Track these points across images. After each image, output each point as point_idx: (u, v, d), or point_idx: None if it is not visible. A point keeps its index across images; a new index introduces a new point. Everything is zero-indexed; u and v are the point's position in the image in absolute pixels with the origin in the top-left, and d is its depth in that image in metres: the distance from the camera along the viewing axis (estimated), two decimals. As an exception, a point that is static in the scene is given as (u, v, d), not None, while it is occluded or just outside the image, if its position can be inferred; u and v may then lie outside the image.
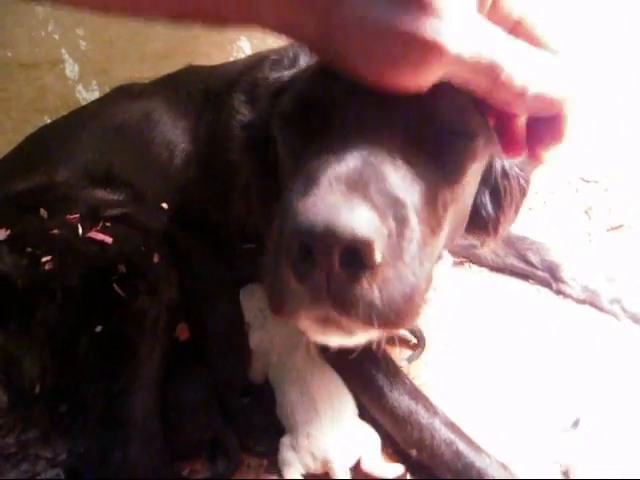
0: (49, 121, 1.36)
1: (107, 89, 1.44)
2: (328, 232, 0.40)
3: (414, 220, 0.49)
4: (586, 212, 1.39)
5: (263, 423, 0.93)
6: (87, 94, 1.61)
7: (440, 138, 0.55)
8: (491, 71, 0.41)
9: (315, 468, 0.84)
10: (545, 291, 1.17)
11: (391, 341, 0.94)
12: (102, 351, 0.83)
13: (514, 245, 1.19)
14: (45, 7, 1.51)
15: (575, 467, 0.83)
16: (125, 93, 1.16)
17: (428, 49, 0.39)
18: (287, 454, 0.85)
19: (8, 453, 0.98)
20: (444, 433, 0.84)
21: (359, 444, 0.87)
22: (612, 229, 1.33)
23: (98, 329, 0.83)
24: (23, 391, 0.91)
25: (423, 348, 1.04)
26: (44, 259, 0.85)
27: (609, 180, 1.48)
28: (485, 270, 1.24)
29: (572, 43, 0.45)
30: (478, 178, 0.70)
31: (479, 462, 0.80)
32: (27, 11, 1.53)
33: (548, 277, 1.16)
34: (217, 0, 0.43)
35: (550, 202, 1.43)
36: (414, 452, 0.85)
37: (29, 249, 0.87)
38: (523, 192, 0.80)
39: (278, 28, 0.44)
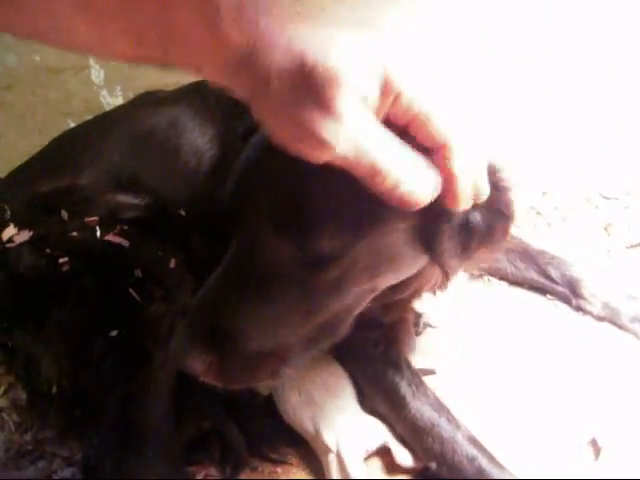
0: (73, 125, 1.38)
1: (131, 95, 1.46)
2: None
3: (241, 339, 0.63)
4: (605, 229, 1.39)
5: (274, 429, 0.93)
6: (111, 99, 1.64)
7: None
8: (370, 170, 0.50)
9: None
10: (563, 306, 1.16)
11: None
12: (117, 355, 0.83)
13: (534, 259, 1.19)
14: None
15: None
16: (150, 99, 1.17)
17: (320, 144, 0.48)
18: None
19: (25, 450, 0.99)
20: (466, 448, 0.83)
21: (368, 434, 0.88)
22: (632, 247, 1.32)
23: (113, 333, 0.83)
24: (41, 391, 0.91)
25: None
26: (61, 261, 0.86)
27: (629, 197, 1.47)
28: (504, 284, 1.24)
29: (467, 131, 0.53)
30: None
31: None
32: (57, 17, 1.56)
33: (568, 293, 1.15)
34: (165, 50, 0.48)
35: (570, 218, 1.42)
36: (434, 465, 0.84)
37: (48, 251, 0.89)
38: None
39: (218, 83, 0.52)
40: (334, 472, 0.84)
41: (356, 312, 0.71)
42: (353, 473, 0.83)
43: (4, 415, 1.06)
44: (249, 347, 0.63)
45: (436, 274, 0.77)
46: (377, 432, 0.90)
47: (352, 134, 0.48)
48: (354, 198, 0.55)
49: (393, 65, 0.48)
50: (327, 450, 0.85)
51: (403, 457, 0.87)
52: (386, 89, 0.48)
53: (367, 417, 0.91)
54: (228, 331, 0.62)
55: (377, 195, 0.52)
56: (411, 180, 0.51)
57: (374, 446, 0.88)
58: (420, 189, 0.52)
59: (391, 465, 0.88)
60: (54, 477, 0.95)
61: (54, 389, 0.88)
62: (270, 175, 0.60)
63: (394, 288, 0.72)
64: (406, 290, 0.78)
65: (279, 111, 0.48)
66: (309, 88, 0.46)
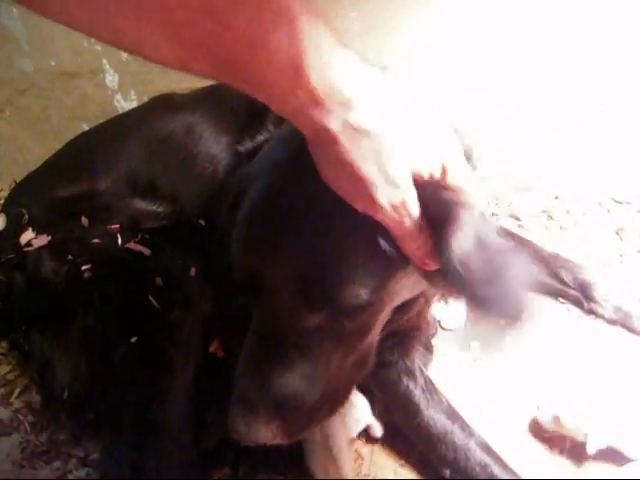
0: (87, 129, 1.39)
1: (145, 99, 1.48)
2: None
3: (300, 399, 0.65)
4: (617, 233, 1.38)
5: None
6: (125, 103, 1.66)
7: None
8: (410, 235, 0.57)
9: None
10: (576, 310, 1.16)
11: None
12: (137, 361, 0.84)
13: (547, 262, 1.19)
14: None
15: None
16: (166, 104, 1.17)
17: (374, 205, 0.54)
18: None
19: (41, 450, 1.01)
20: (479, 455, 0.84)
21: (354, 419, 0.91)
22: (644, 251, 1.32)
23: (133, 340, 0.84)
24: (54, 394, 0.93)
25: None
26: (84, 268, 0.87)
27: (642, 201, 1.47)
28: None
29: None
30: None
31: None
32: (72, 23, 1.58)
33: (580, 296, 1.15)
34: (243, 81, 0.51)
35: (581, 222, 1.42)
36: (448, 472, 0.84)
37: (70, 257, 0.89)
38: None
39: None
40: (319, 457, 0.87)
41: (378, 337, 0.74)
42: (341, 459, 0.85)
43: (19, 416, 1.07)
44: (303, 402, 0.65)
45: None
46: (363, 414, 0.92)
47: (406, 203, 0.54)
48: (374, 246, 0.59)
49: (449, 161, 0.57)
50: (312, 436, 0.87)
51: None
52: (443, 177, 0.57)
53: (355, 400, 0.92)
54: (281, 395, 0.64)
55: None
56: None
57: (360, 429, 0.92)
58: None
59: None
60: (69, 477, 0.96)
61: (65, 394, 0.89)
62: (289, 238, 0.61)
63: (403, 306, 0.75)
64: (414, 307, 0.82)
65: (342, 166, 0.52)
66: (377, 153, 0.51)
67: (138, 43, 0.50)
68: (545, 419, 0.91)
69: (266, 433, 0.64)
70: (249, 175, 0.69)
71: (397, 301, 0.71)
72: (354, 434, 0.92)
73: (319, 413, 0.69)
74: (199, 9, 0.45)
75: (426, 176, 0.55)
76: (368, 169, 0.52)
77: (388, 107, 0.53)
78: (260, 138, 0.92)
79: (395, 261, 0.60)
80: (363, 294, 0.60)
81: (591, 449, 0.86)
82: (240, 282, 0.67)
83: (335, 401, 0.71)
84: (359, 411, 0.92)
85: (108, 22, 0.47)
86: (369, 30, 1.37)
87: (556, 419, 0.89)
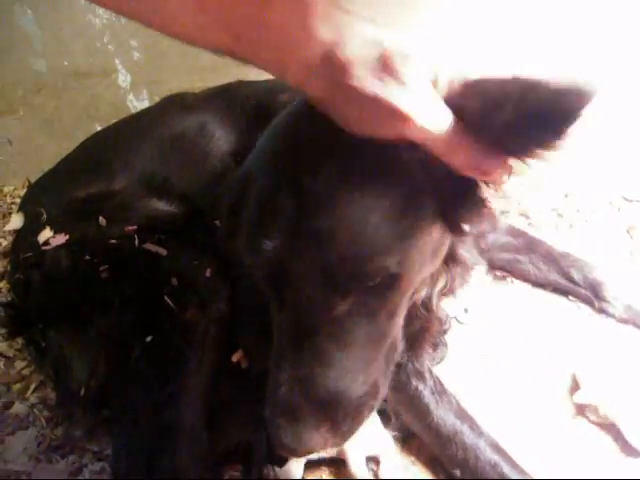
0: (100, 128, 1.41)
1: (157, 99, 1.49)
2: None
3: (346, 397, 0.63)
4: (628, 231, 1.38)
5: None
6: (137, 103, 1.68)
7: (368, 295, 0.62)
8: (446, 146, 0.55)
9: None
10: (586, 308, 1.17)
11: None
12: (152, 360, 0.85)
13: (557, 261, 1.19)
14: (102, 20, 1.58)
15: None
16: (178, 103, 1.18)
17: (403, 118, 0.53)
18: None
19: (57, 444, 1.02)
20: (489, 455, 0.84)
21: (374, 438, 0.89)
22: (655, 249, 1.31)
23: (148, 339, 0.85)
24: (70, 391, 0.94)
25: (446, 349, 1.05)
26: (102, 268, 0.88)
27: (652, 200, 1.47)
28: (527, 285, 1.24)
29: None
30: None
31: None
32: (85, 23, 1.60)
33: (590, 295, 1.15)
34: (256, 45, 0.54)
35: (592, 221, 1.42)
36: (458, 472, 0.85)
37: (87, 257, 0.90)
38: None
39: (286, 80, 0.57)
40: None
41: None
42: (358, 474, 0.85)
43: (36, 411, 1.09)
44: (350, 399, 0.63)
45: (447, 275, 0.79)
46: (380, 441, 0.91)
47: (438, 111, 0.54)
48: (395, 212, 0.58)
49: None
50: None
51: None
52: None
53: (374, 425, 0.92)
54: (326, 396, 0.62)
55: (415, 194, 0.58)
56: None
57: (374, 453, 0.90)
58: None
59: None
60: (84, 471, 0.98)
61: (82, 391, 0.90)
62: (306, 226, 0.59)
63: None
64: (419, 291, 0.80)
65: (362, 97, 0.52)
66: (391, 71, 0.52)
67: (155, 9, 0.52)
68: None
69: (318, 440, 0.61)
70: (249, 173, 0.67)
71: (418, 278, 0.68)
72: (372, 451, 0.90)
73: (364, 409, 0.66)
74: None
75: (443, 83, 0.55)
76: (390, 90, 0.52)
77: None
78: None
79: (418, 224, 0.60)
80: (390, 265, 0.59)
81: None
82: (261, 281, 0.64)
83: (376, 395, 0.68)
84: (374, 426, 0.92)
85: None
86: (382, 28, 1.37)
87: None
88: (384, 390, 0.70)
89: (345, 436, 0.65)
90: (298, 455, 0.63)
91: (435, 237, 0.64)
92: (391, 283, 0.61)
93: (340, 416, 0.62)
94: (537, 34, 1.37)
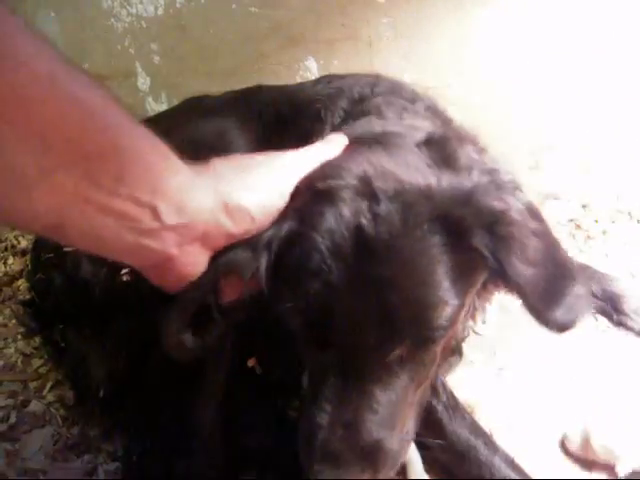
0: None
1: (175, 102, 1.50)
2: None
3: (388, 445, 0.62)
4: (647, 243, 1.37)
5: None
6: (156, 106, 1.69)
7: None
8: None
9: None
10: (603, 320, 1.15)
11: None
12: (170, 363, 0.85)
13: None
14: (124, 23, 1.60)
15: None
16: (198, 107, 1.19)
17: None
18: None
19: (72, 443, 1.03)
20: (504, 471, 0.83)
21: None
22: (675, 262, 1.30)
23: None
24: (88, 391, 0.95)
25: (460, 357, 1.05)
26: (123, 271, 0.88)
27: (672, 211, 1.45)
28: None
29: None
30: None
31: None
32: (106, 26, 1.62)
33: (609, 308, 1.14)
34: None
35: (610, 231, 1.41)
36: None
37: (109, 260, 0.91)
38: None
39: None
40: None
41: None
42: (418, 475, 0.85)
43: (52, 409, 1.10)
44: (391, 449, 0.62)
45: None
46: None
47: None
48: (455, 268, 0.59)
49: None
50: None
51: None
52: None
53: None
54: (370, 444, 0.61)
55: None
56: None
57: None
58: None
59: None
60: (99, 470, 0.99)
61: (101, 392, 0.91)
62: (369, 273, 0.58)
63: None
64: None
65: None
66: None
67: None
68: (574, 442, 0.90)
69: None
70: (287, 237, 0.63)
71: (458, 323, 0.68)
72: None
73: (401, 455, 0.65)
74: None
75: None
76: None
77: None
78: None
79: (473, 275, 0.60)
80: (447, 315, 0.59)
81: (622, 471, 0.85)
82: (303, 322, 0.62)
83: (408, 442, 0.68)
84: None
85: None
86: (399, 37, 1.38)
87: (585, 442, 0.88)
88: (412, 438, 0.69)
89: None
90: None
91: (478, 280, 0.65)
92: (445, 330, 0.61)
93: (381, 463, 0.62)
94: (557, 46, 1.36)
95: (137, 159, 0.51)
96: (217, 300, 0.66)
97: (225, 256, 0.62)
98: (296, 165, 0.66)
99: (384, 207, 0.58)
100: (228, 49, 1.54)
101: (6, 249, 1.51)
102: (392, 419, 0.62)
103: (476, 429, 0.88)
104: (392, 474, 0.65)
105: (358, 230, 0.58)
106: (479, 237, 0.58)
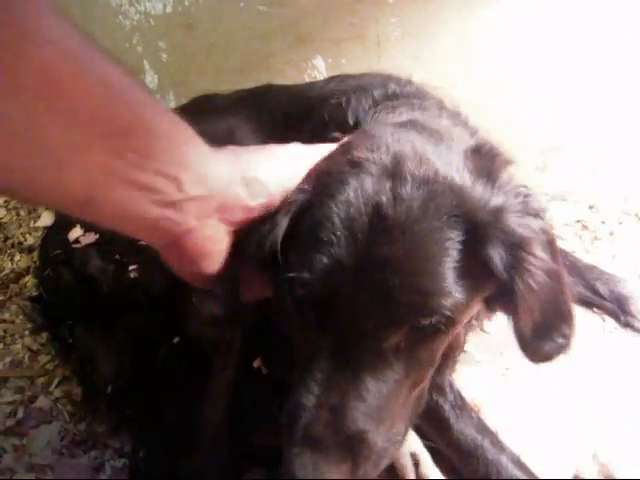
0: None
1: (183, 100, 1.50)
2: None
3: (373, 439, 0.59)
4: (655, 244, 1.36)
5: None
6: (164, 104, 1.69)
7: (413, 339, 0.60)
8: None
9: None
10: (611, 321, 1.15)
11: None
12: (178, 361, 0.85)
13: (582, 274, 1.18)
14: (132, 21, 1.61)
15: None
16: (208, 105, 1.20)
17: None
18: None
19: (80, 439, 1.04)
20: (511, 470, 0.84)
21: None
22: (682, 263, 1.29)
23: (176, 340, 0.85)
24: (96, 388, 0.96)
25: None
26: (131, 268, 0.89)
27: (680, 213, 1.44)
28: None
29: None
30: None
31: None
32: (114, 24, 1.62)
33: (616, 309, 1.14)
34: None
35: (617, 232, 1.40)
36: None
37: (117, 256, 0.91)
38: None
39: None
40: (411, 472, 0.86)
41: None
42: (429, 473, 0.85)
43: (59, 405, 1.11)
44: (375, 442, 0.60)
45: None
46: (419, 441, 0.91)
47: None
48: (466, 266, 0.58)
49: None
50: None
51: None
52: None
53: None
54: (355, 433, 0.58)
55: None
56: None
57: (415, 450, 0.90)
58: None
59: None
60: (106, 466, 0.99)
61: (109, 389, 0.92)
62: (372, 254, 0.57)
63: None
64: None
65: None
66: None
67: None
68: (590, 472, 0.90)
69: (334, 477, 0.57)
70: (306, 201, 0.63)
71: (459, 328, 0.67)
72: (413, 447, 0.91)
73: (386, 456, 0.62)
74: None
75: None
76: None
77: None
78: None
79: (479, 281, 0.60)
80: (448, 306, 0.57)
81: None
82: (306, 299, 0.61)
83: (396, 443, 0.65)
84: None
85: None
86: (408, 36, 1.38)
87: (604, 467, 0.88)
88: (403, 440, 0.67)
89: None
90: None
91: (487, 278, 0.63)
92: (444, 326, 0.59)
93: (363, 457, 0.59)
94: (566, 47, 1.36)
95: (161, 133, 0.53)
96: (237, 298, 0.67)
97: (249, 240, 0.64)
98: (312, 151, 0.68)
99: (408, 189, 0.58)
100: (236, 47, 1.54)
101: (13, 246, 1.51)
102: (380, 412, 0.59)
103: (483, 428, 0.89)
104: (374, 475, 0.62)
105: (376, 207, 0.58)
106: (496, 249, 0.58)
